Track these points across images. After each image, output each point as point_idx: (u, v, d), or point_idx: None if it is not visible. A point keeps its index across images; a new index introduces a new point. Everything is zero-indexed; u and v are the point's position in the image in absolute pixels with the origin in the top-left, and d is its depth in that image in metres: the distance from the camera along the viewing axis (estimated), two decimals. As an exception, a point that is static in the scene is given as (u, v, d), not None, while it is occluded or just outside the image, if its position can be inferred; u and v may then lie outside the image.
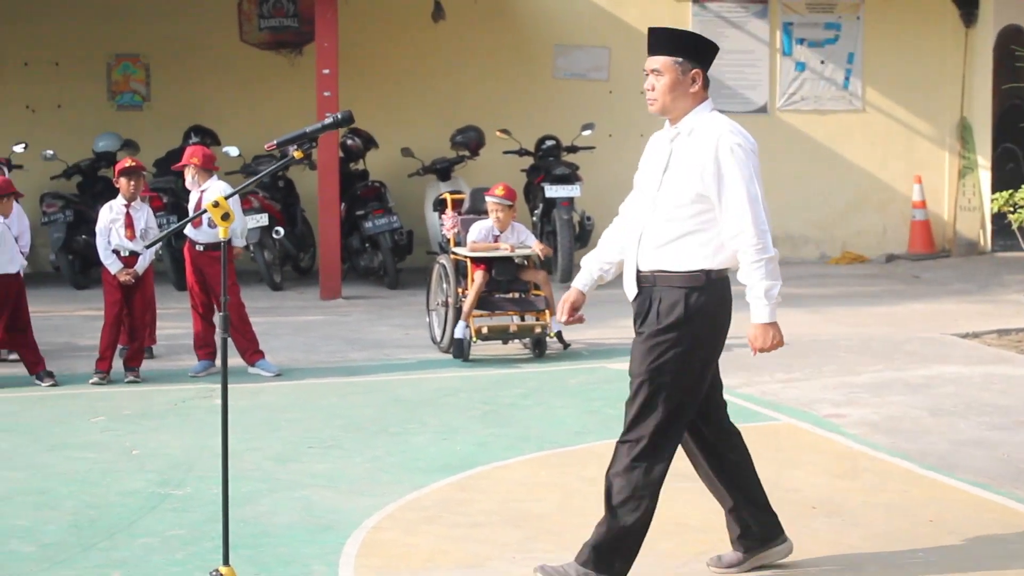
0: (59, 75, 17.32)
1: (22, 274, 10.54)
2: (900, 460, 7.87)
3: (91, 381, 10.31)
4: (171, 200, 15.51)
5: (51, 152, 15.90)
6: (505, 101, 17.62)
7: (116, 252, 10.55)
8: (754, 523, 5.90)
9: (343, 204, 15.64)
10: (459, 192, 13.53)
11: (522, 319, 11.53)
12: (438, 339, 11.72)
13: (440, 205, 13.42)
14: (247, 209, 14.56)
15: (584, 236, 16.12)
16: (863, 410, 9.21)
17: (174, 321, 12.58)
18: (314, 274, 16.16)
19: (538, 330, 11.28)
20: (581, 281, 5.87)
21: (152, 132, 16.88)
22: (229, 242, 5.69)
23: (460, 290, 11.40)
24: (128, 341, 10.64)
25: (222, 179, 11.21)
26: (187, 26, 17.34)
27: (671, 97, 5.59)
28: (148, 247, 9.46)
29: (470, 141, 16.67)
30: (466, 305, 11.17)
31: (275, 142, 5.76)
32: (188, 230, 10.67)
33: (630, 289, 5.68)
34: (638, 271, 5.62)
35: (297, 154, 5.75)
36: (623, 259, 5.76)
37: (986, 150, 18.36)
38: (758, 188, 5.50)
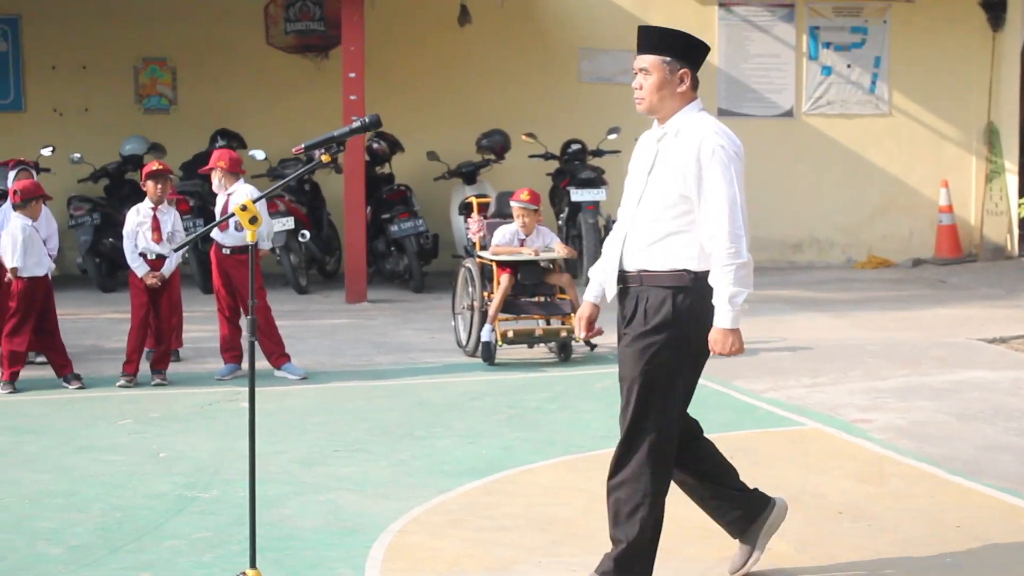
0: (87, 78, 17.39)
1: (50, 277, 10.58)
2: (927, 465, 7.84)
3: (118, 384, 10.35)
4: (197, 203, 15.56)
5: (78, 155, 15.95)
6: (530, 105, 17.63)
7: (143, 255, 10.58)
8: (735, 506, 5.87)
9: (369, 208, 15.67)
10: (485, 196, 13.54)
11: (547, 323, 11.53)
12: (463, 343, 11.73)
13: (466, 209, 13.43)
14: (273, 212, 14.60)
15: (609, 240, 16.08)
16: (889, 415, 9.18)
17: (200, 324, 12.61)
18: (340, 278, 16.19)
19: (563, 334, 11.28)
20: (592, 294, 5.83)
21: (179, 135, 16.93)
22: (256, 245, 5.71)
23: (486, 294, 11.41)
24: (155, 344, 10.67)
25: (248, 182, 11.25)
26: (214, 30, 17.41)
27: (658, 96, 5.55)
28: (176, 250, 9.50)
29: (495, 145, 16.68)
30: (492, 309, 11.18)
31: (303, 145, 5.78)
32: (215, 233, 10.69)
33: (611, 288, 5.67)
34: (624, 271, 5.60)
35: (325, 158, 5.76)
36: None
37: (1013, 154, 18.29)
38: (737, 192, 5.41)
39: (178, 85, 17.66)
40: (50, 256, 10.70)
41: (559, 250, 11.38)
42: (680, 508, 6.78)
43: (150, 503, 7.18)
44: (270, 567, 5.90)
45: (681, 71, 5.52)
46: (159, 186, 10.64)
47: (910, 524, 6.69)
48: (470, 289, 11.66)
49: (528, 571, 6.05)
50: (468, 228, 12.42)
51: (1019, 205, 13.42)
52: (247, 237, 5.62)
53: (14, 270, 10.25)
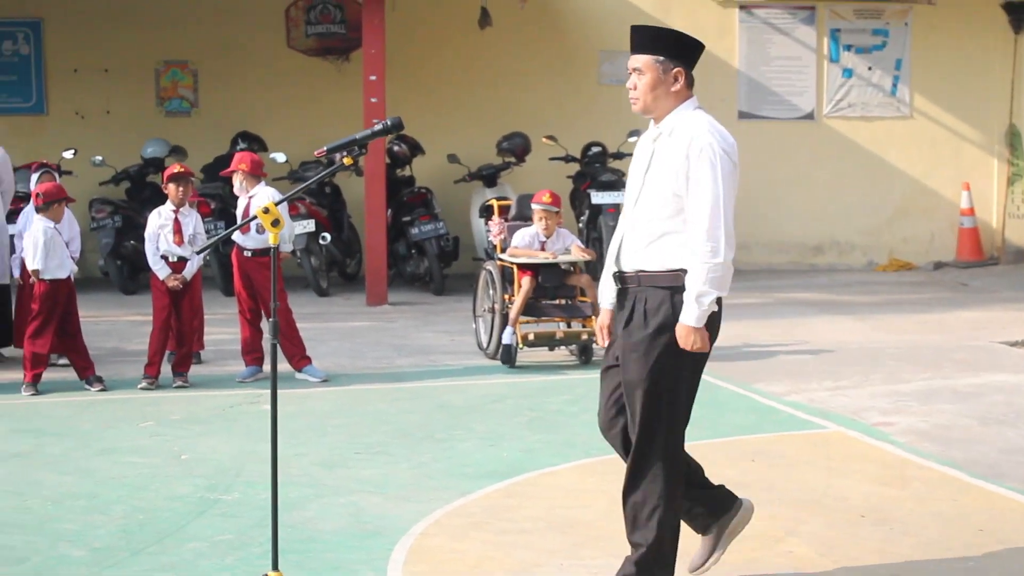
0: (108, 82, 17.45)
1: (73, 279, 10.61)
2: (949, 469, 7.82)
3: (139, 386, 10.37)
4: (219, 206, 15.58)
5: (100, 158, 15.99)
6: (551, 107, 17.63)
7: (164, 258, 10.60)
8: (700, 503, 5.83)
9: (389, 210, 15.69)
10: (505, 198, 13.54)
11: (568, 325, 11.53)
12: (484, 345, 11.74)
13: (486, 211, 13.43)
14: (294, 215, 14.63)
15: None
16: (912, 418, 9.16)
17: (221, 327, 12.64)
18: (360, 280, 16.20)
19: (584, 336, 11.27)
20: (607, 299, 5.81)
21: (200, 138, 16.97)
22: (278, 248, 5.72)
23: (506, 296, 11.41)
24: (176, 346, 10.69)
25: (269, 185, 11.27)
26: (235, 32, 17.45)
27: (652, 96, 5.52)
28: (198, 253, 9.50)
29: (516, 147, 16.68)
30: (513, 311, 11.18)
31: (325, 148, 5.79)
32: (236, 236, 10.71)
33: (609, 289, 5.66)
34: (622, 272, 5.59)
35: (347, 160, 5.77)
36: None
37: (1035, 157, 18.26)
38: (723, 190, 5.35)
39: (199, 88, 17.70)
40: (73, 259, 10.72)
41: (576, 252, 11.36)
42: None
43: (172, 505, 7.20)
44: (292, 569, 5.91)
45: (675, 70, 5.50)
46: (180, 189, 10.66)
47: (932, 527, 6.67)
48: (491, 292, 11.66)
49: (550, 574, 6.05)
50: (488, 231, 12.42)
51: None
52: (269, 240, 5.63)
53: (35, 272, 10.28)
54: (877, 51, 18.30)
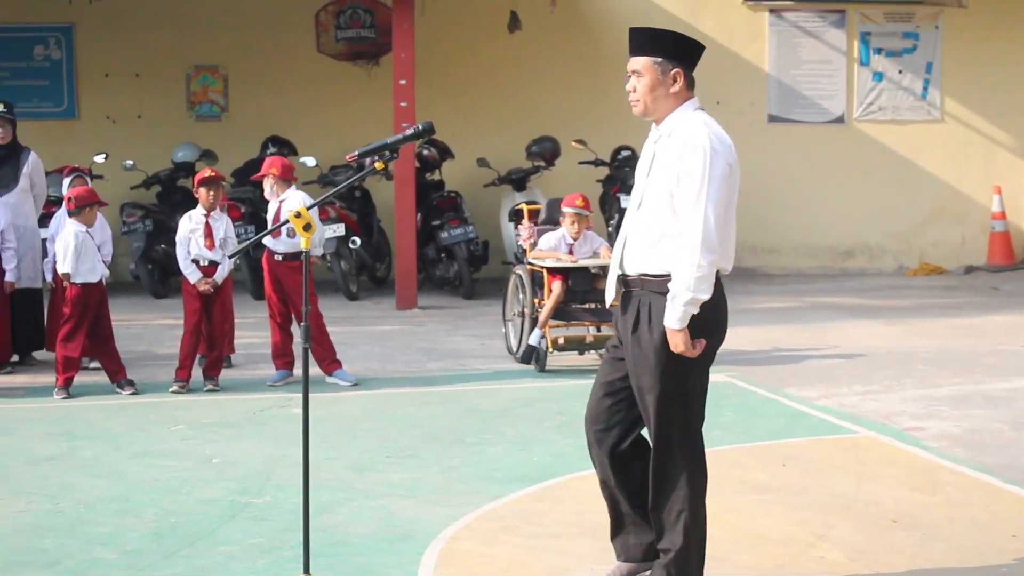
0: (139, 86, 17.52)
1: (104, 283, 10.65)
2: (981, 474, 7.78)
3: (171, 390, 10.40)
4: (249, 210, 15.64)
5: (131, 162, 16.05)
6: (580, 111, 17.62)
7: (195, 262, 10.63)
8: (636, 530, 5.77)
9: (419, 214, 15.71)
10: (535, 202, 13.54)
11: (598, 330, 11.51)
12: (514, 349, 11.74)
13: (516, 215, 13.43)
14: (324, 219, 14.65)
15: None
16: (943, 423, 9.12)
17: (252, 331, 12.67)
18: (390, 284, 16.22)
19: (614, 341, 11.24)
20: (611, 301, 5.81)
21: (230, 142, 17.02)
22: (309, 252, 5.73)
23: (536, 300, 11.41)
24: (207, 350, 10.72)
25: (299, 189, 11.29)
26: (265, 37, 17.50)
27: (652, 98, 5.49)
28: (230, 257, 9.52)
29: (546, 151, 16.68)
30: (543, 314, 11.17)
31: (356, 152, 5.80)
32: (266, 240, 10.73)
33: (611, 291, 5.65)
34: (625, 275, 5.57)
35: (378, 165, 5.78)
36: None
37: (1067, 161, 18.18)
38: (712, 192, 5.29)
39: (230, 92, 17.76)
40: (104, 262, 10.76)
41: (606, 255, 11.34)
42: (730, 516, 6.77)
43: (203, 509, 7.22)
44: (323, 573, 5.93)
45: (673, 71, 5.46)
46: (211, 193, 10.69)
47: (965, 533, 6.64)
48: (521, 296, 11.66)
49: (580, 578, 6.05)
50: (518, 235, 12.43)
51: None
52: (301, 244, 5.65)
53: (67, 276, 10.33)
54: (908, 54, 18.24)
